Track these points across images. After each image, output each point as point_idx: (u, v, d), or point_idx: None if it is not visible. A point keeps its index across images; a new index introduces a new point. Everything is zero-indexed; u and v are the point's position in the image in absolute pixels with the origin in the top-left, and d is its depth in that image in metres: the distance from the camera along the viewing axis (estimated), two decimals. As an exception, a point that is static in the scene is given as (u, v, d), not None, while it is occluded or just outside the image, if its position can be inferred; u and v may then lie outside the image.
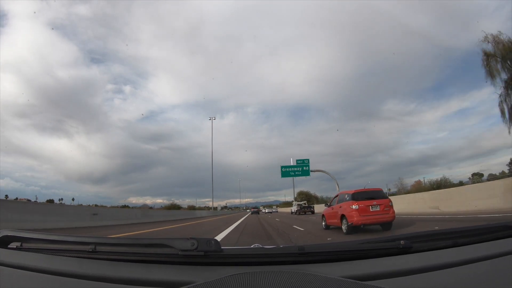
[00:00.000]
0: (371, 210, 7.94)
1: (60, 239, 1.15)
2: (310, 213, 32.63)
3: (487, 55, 17.23)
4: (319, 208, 35.55)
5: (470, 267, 0.86)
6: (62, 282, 0.87)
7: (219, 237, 7.91)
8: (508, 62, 16.75)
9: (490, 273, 0.84)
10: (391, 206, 8.18)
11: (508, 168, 31.62)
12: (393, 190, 41.41)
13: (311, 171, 27.11)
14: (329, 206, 10.00)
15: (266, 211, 67.99)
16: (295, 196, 61.97)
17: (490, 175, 33.91)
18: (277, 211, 66.50)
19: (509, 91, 16.86)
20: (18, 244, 1.12)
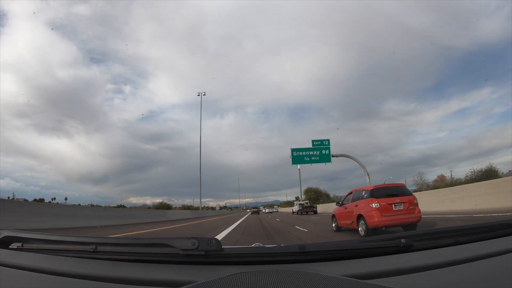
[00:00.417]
0: (394, 209, 6.75)
1: (61, 239, 1.15)
2: (312, 213, 31.46)
3: None
4: (322, 208, 34.28)
5: (471, 265, 0.86)
6: (63, 282, 0.87)
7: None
8: None
9: (491, 271, 0.84)
10: (417, 205, 7.00)
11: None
12: (411, 187, 36.93)
13: (332, 156, 20.57)
14: (341, 205, 8.84)
15: (266, 211, 67.80)
16: (302, 193, 54.93)
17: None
18: (277, 211, 65.99)
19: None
20: (19, 244, 1.13)
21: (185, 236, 0.96)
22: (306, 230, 10.01)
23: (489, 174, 25.19)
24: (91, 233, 9.01)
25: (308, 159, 20.85)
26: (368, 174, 19.94)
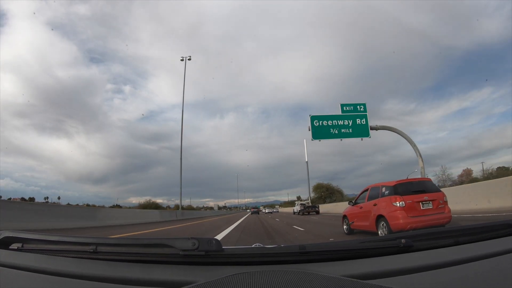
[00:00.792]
0: (421, 208, 5.71)
1: (61, 240, 1.15)
2: (314, 213, 30.44)
3: None
4: (325, 208, 32.98)
5: (472, 265, 0.86)
6: (63, 283, 0.87)
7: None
8: None
9: (491, 271, 0.84)
10: (446, 203, 6.01)
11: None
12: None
13: (371, 128, 14.13)
14: (354, 204, 7.69)
15: (266, 211, 67.71)
16: (311, 190, 50.75)
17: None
18: (278, 211, 65.63)
19: None
20: (19, 245, 1.13)
21: (185, 237, 0.96)
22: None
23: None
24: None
25: (335, 131, 13.93)
26: (420, 155, 14.35)
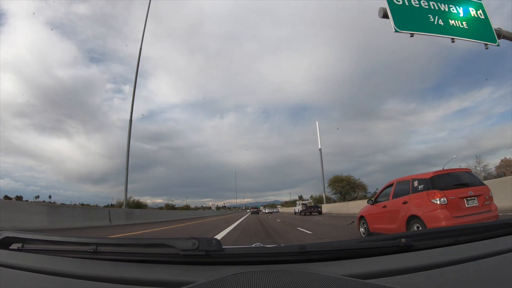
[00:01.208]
0: (466, 205, 4.64)
1: (61, 240, 1.15)
2: (316, 213, 28.90)
3: None
4: (327, 208, 31.29)
5: (472, 264, 0.86)
6: (63, 283, 0.87)
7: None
8: None
9: (491, 270, 0.84)
10: (492, 198, 4.97)
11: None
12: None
13: (495, 30, 7.39)
14: (373, 203, 6.46)
15: (266, 211, 67.73)
16: (326, 185, 43.77)
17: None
18: (278, 211, 65.35)
19: None
20: (20, 245, 1.13)
21: (186, 237, 0.96)
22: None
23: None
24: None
25: (438, 20, 7.35)
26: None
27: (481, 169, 31.41)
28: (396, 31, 7.22)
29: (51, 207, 12.72)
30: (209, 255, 0.94)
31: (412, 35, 7.38)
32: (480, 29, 7.83)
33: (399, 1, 7.38)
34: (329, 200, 43.59)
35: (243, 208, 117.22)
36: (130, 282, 0.86)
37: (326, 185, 45.20)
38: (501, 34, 7.99)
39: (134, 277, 0.88)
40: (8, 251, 1.11)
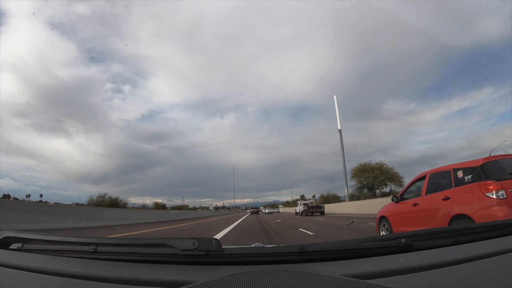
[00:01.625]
0: None
1: (61, 240, 1.15)
2: (319, 214, 27.41)
3: None
4: (329, 209, 29.05)
5: (471, 265, 0.86)
6: (63, 283, 0.87)
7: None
8: None
9: (491, 270, 0.84)
10: None
11: None
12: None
13: None
14: (399, 200, 5.29)
15: (266, 211, 67.73)
16: (350, 176, 34.58)
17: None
18: (279, 212, 65.07)
19: None
20: (19, 245, 1.12)
21: (185, 237, 0.96)
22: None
23: None
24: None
25: None
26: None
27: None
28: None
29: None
30: (209, 255, 0.94)
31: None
32: None
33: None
34: (352, 198, 33.61)
35: (243, 208, 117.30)
36: (130, 282, 0.86)
37: (348, 177, 34.92)
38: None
39: (133, 277, 0.88)
40: (8, 251, 1.11)
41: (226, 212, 69.15)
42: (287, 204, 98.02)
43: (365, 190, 36.37)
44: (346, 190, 32.77)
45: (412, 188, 5.20)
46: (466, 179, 4.01)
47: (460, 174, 4.15)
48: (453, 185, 4.16)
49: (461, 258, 0.89)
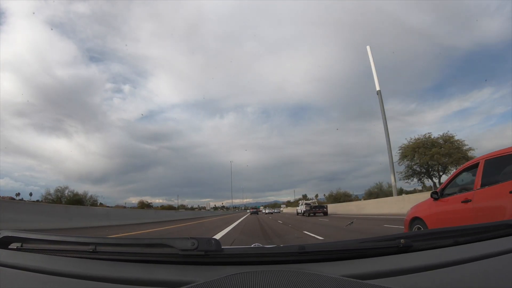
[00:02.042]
0: None
1: (60, 240, 1.14)
2: (322, 214, 26.05)
3: None
4: (331, 209, 27.49)
5: (471, 265, 0.86)
6: (63, 283, 0.87)
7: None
8: None
9: (490, 271, 0.84)
10: None
11: None
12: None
13: None
14: (439, 196, 4.04)
15: (267, 211, 67.70)
16: (399, 156, 26.50)
17: None
18: (279, 212, 64.77)
19: None
20: (19, 244, 1.12)
21: (185, 237, 0.96)
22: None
23: None
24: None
25: None
26: None
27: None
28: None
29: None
30: (208, 255, 0.94)
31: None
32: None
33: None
34: (400, 192, 24.53)
35: (243, 208, 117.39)
36: (129, 282, 0.86)
37: (395, 160, 24.45)
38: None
39: (133, 277, 0.88)
40: (7, 251, 1.11)
41: (225, 213, 67.47)
42: (289, 204, 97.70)
43: (415, 180, 26.30)
44: (392, 178, 21.26)
45: (458, 180, 4.03)
46: None
47: None
48: None
49: (461, 258, 0.89)
